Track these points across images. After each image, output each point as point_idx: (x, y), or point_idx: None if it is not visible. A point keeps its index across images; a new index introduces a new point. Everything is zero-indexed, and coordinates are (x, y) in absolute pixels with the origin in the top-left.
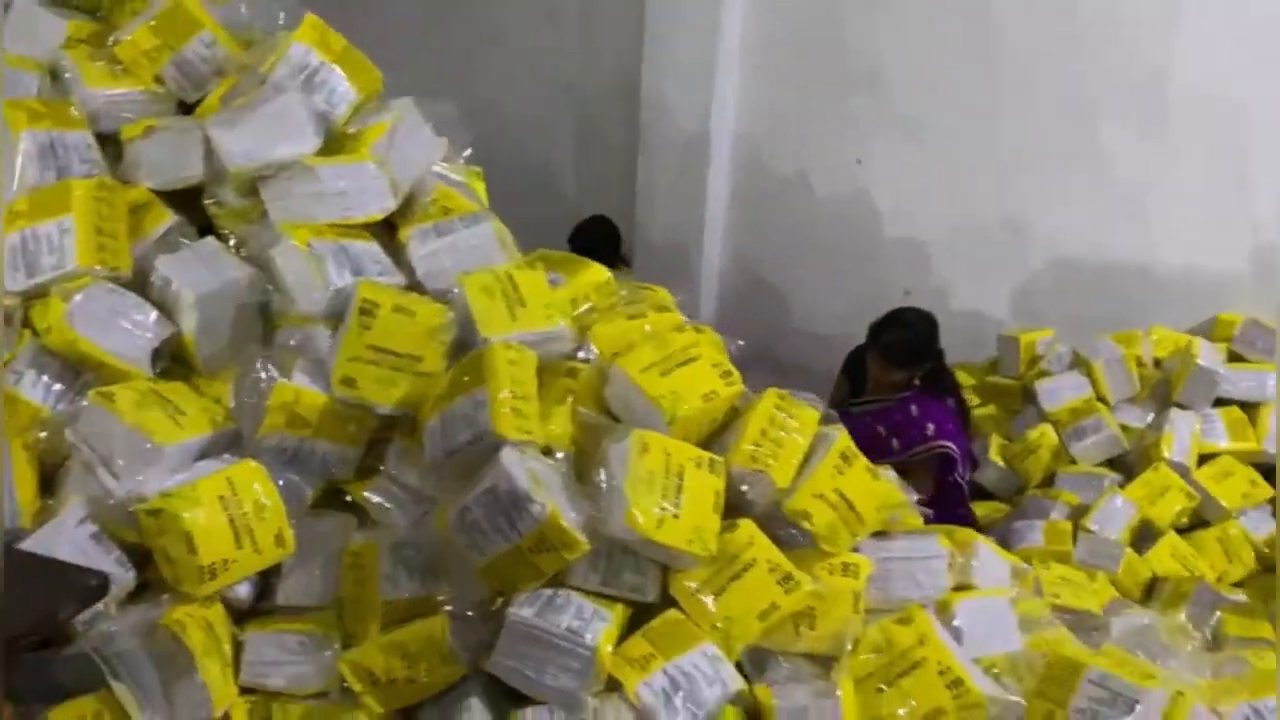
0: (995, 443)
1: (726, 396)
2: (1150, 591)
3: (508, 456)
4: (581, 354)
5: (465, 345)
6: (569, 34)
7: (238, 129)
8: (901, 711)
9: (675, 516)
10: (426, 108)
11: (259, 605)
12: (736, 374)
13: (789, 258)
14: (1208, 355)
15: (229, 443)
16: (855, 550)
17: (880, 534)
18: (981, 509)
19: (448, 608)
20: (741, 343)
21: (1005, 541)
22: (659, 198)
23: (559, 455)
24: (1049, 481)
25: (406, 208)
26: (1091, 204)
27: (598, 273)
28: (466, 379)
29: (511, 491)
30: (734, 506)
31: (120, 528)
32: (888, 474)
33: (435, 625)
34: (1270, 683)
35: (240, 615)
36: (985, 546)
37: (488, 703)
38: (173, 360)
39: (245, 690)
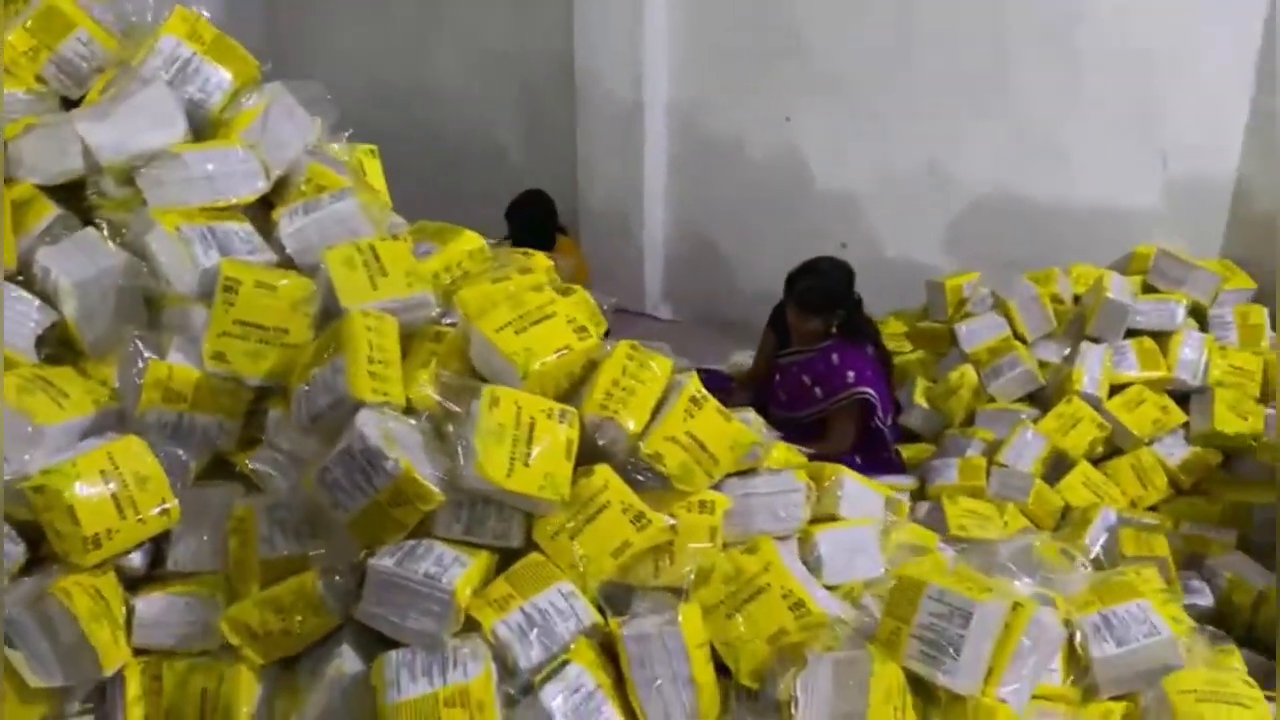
0: (920, 386)
1: (581, 350)
2: (1064, 519)
3: (363, 418)
4: (450, 319)
5: (331, 316)
6: (506, 10)
7: (106, 122)
8: (749, 634)
9: (526, 465)
10: (297, 90)
11: (153, 573)
12: (593, 329)
13: (729, 219)
14: (1118, 288)
15: (114, 421)
16: (717, 489)
17: (745, 472)
18: (909, 451)
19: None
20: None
21: (924, 480)
22: (598, 167)
23: (423, 416)
24: (971, 420)
25: (283, 188)
26: (1010, 148)
27: (470, 240)
28: (328, 347)
29: (366, 450)
30: (594, 454)
31: (12, 506)
32: (744, 415)
33: (306, 580)
34: (1127, 592)
35: (135, 583)
36: (851, 480)
37: (359, 649)
38: (62, 346)
39: (139, 651)
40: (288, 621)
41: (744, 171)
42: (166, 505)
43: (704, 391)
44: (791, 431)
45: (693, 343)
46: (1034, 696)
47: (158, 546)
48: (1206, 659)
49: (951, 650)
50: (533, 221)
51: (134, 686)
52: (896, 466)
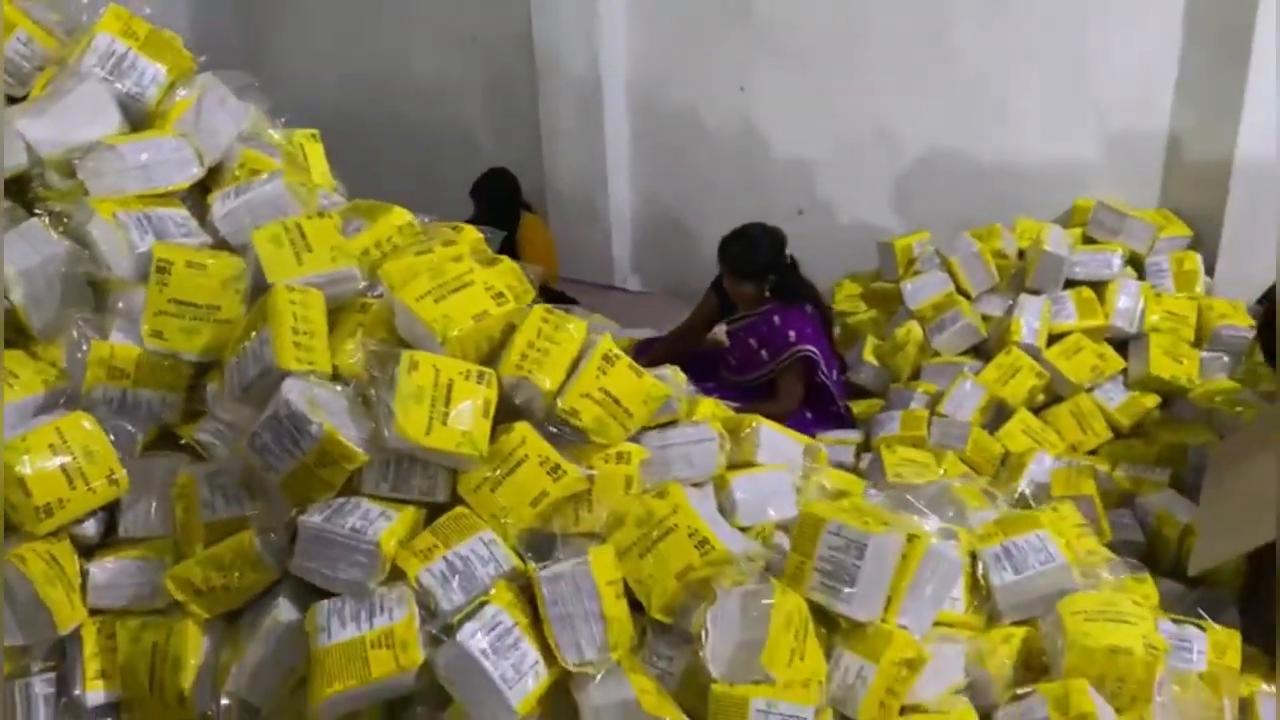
0: (870, 343)
1: (498, 316)
2: (1004, 465)
3: (288, 385)
4: (378, 291)
5: (260, 292)
6: None
7: (44, 118)
8: (658, 572)
9: (444, 424)
10: (229, 80)
11: (106, 540)
12: (511, 296)
13: (692, 190)
14: (1055, 241)
15: (64, 400)
16: (636, 441)
17: (664, 425)
18: (860, 406)
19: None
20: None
21: (871, 433)
22: (562, 144)
23: (351, 383)
24: (917, 375)
25: (218, 174)
26: (954, 108)
27: (399, 216)
28: (256, 321)
29: (291, 415)
30: (515, 413)
31: None
32: (660, 372)
33: (244, 538)
34: (1028, 524)
35: (90, 550)
36: (768, 429)
37: (295, 600)
38: (18, 332)
39: (95, 612)
40: (228, 578)
41: (703, 143)
42: (114, 475)
43: (616, 350)
44: (746, 394)
45: (662, 313)
46: (938, 623)
47: (110, 515)
48: (1114, 585)
49: (849, 580)
50: (497, 200)
51: (90, 644)
52: (845, 420)
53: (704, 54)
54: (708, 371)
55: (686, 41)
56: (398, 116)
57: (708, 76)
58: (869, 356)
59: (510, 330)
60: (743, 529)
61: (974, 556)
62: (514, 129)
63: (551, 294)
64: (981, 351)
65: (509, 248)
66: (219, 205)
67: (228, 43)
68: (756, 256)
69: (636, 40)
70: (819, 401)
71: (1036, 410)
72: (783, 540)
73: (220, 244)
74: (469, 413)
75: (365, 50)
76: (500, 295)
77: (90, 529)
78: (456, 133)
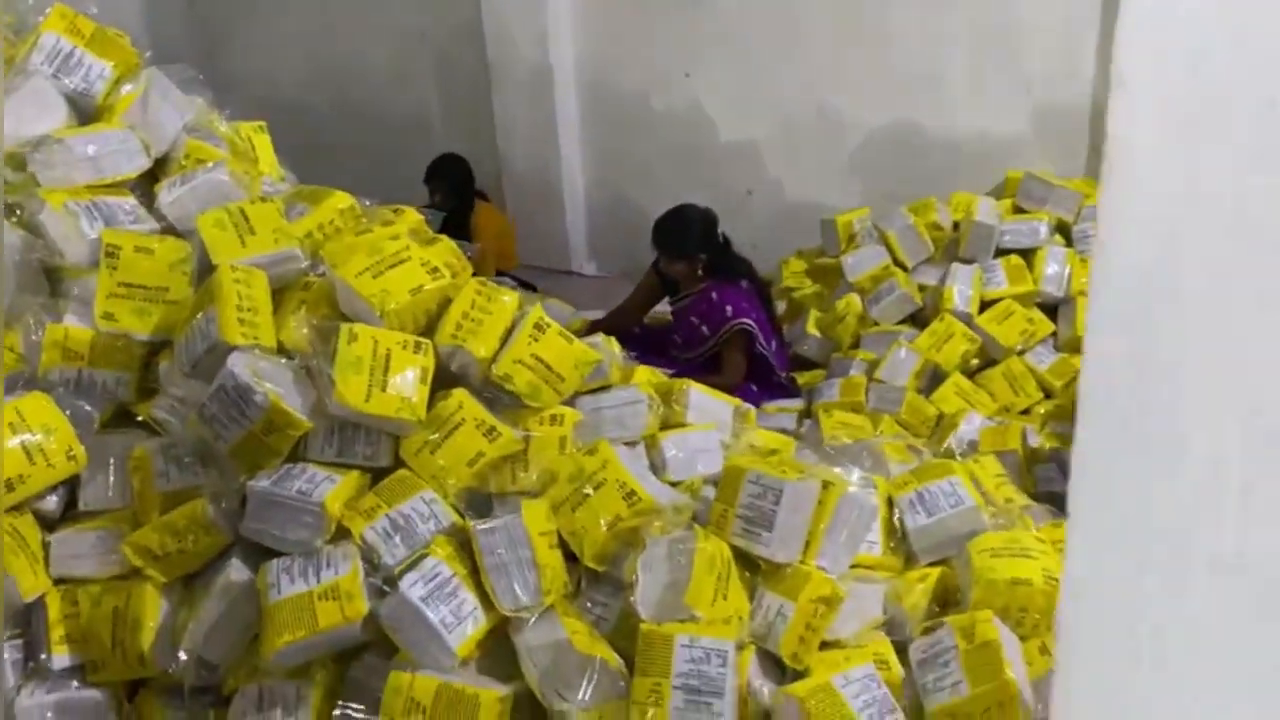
0: (812, 316)
1: (434, 289)
2: (938, 426)
3: (233, 359)
4: (321, 271)
5: (207, 273)
6: None
7: None
8: (589, 523)
9: (383, 391)
10: (174, 74)
11: (67, 514)
12: (446, 270)
13: (644, 174)
14: (985, 212)
15: (23, 383)
16: (571, 405)
17: (598, 390)
18: (804, 376)
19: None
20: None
21: (812, 400)
22: (516, 131)
23: (296, 356)
24: (857, 344)
25: (165, 164)
26: (890, 86)
27: (341, 200)
28: (203, 300)
29: (237, 386)
30: (453, 380)
31: None
32: (592, 339)
33: (197, 505)
34: (941, 471)
35: (53, 523)
36: (697, 392)
37: (248, 561)
38: None
39: (59, 581)
40: (183, 543)
41: (653, 127)
42: (73, 452)
43: (548, 319)
44: (694, 370)
45: (618, 296)
46: (858, 565)
47: (71, 490)
48: (1025, 525)
49: (767, 525)
50: (452, 185)
51: (54, 611)
52: (789, 391)
53: (651, 41)
54: (660, 352)
55: (633, 29)
56: (355, 109)
57: (655, 63)
58: (812, 329)
59: (447, 303)
60: (673, 484)
61: (891, 503)
62: (469, 119)
63: (510, 280)
64: (918, 320)
65: (464, 234)
66: (165, 193)
67: (179, 41)
68: (688, 237)
69: (584, 29)
70: (761, 371)
71: (971, 374)
72: (710, 493)
73: (168, 230)
74: (407, 380)
75: (321, 46)
76: (436, 271)
77: (51, 504)
78: (413, 124)
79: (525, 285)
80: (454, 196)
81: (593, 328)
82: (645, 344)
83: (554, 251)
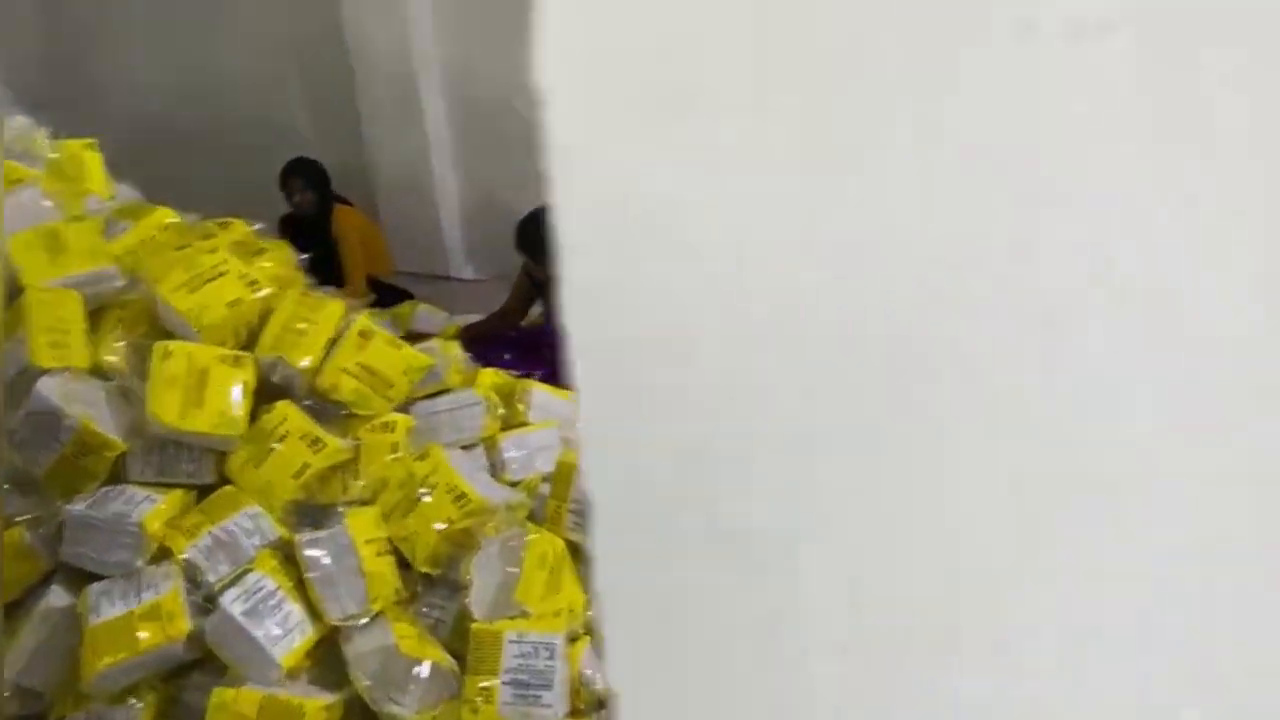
0: None
1: (252, 302)
2: None
3: (42, 383)
4: (142, 288)
5: (17, 296)
6: None
7: None
8: (420, 528)
9: (199, 407)
10: None
11: None
12: (264, 282)
13: (517, 176)
14: None
15: None
16: (405, 410)
17: (434, 394)
18: None
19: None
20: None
21: None
22: (385, 139)
23: (114, 377)
24: None
25: None
26: None
27: (163, 215)
28: (12, 323)
29: (45, 411)
30: (280, 392)
31: None
32: (425, 345)
33: (15, 534)
34: None
35: None
36: (539, 391)
37: (69, 586)
38: None
39: None
40: (4, 571)
41: (517, 129)
42: None
43: (373, 326)
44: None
45: (496, 299)
46: None
47: None
48: None
49: None
50: (310, 183)
51: None
52: None
53: (513, 41)
54: (537, 352)
55: (495, 29)
56: (218, 120)
57: (519, 64)
58: None
59: (268, 314)
60: (513, 483)
61: None
62: (335, 125)
63: (384, 288)
64: None
65: (324, 237)
66: None
67: (33, 61)
68: (545, 237)
69: (446, 30)
70: None
71: None
72: (546, 490)
73: None
74: (225, 395)
75: (181, 58)
76: (255, 283)
77: None
78: (279, 132)
79: (398, 292)
80: (315, 196)
81: (467, 331)
82: (522, 346)
83: (430, 257)
